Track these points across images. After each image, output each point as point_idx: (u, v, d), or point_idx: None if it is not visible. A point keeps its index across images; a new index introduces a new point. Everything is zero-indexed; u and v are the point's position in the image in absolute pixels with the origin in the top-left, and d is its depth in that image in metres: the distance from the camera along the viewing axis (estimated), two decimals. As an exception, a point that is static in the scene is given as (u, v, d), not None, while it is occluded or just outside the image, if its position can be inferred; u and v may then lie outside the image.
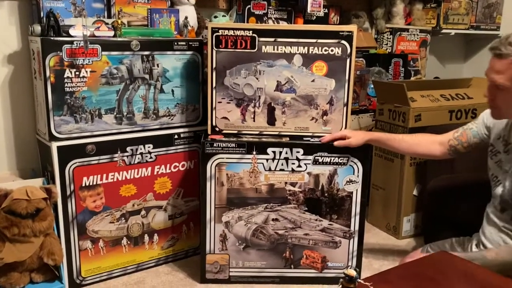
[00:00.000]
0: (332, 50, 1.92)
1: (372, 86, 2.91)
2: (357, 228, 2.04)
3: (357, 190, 2.00)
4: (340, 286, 1.06)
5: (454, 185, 2.13)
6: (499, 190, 1.59)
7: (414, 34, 3.19)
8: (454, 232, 1.83)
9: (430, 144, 1.84)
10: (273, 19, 2.54)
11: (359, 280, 1.05)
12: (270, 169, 1.96)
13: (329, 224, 2.03)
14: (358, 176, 1.99)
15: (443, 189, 2.17)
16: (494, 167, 1.64)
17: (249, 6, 2.47)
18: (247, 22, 2.47)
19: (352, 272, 1.04)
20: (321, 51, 1.92)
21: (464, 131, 1.77)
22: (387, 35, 3.12)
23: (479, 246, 1.65)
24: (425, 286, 1.17)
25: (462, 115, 2.58)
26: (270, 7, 2.51)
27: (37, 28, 1.82)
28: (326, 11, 2.80)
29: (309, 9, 2.55)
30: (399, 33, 3.13)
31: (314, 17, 2.70)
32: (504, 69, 1.41)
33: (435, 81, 3.14)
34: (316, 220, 2.02)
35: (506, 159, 1.59)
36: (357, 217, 2.03)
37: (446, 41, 3.55)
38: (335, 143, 1.92)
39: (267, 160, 1.95)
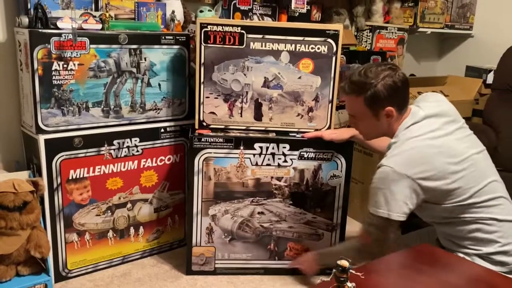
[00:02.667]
0: (318, 48, 1.97)
1: (352, 82, 2.98)
2: (339, 221, 2.11)
3: (340, 184, 2.07)
4: (333, 276, 1.11)
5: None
6: None
7: (392, 32, 3.27)
8: (428, 224, 1.91)
9: None
10: (258, 14, 2.57)
11: (351, 271, 1.10)
12: (257, 164, 2.01)
13: (313, 217, 2.09)
14: (341, 171, 2.05)
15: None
16: None
17: (234, 1, 2.48)
18: (233, 17, 2.49)
19: (345, 263, 1.09)
20: (308, 48, 1.97)
21: None
22: (367, 32, 3.19)
23: None
24: (411, 275, 1.24)
25: (438, 112, 2.68)
26: (255, 3, 2.54)
27: (25, 20, 1.80)
28: (309, 8, 2.84)
29: (293, 5, 2.58)
30: (378, 30, 3.20)
31: (297, 14, 2.74)
32: (352, 103, 1.66)
33: (413, 79, 3.24)
34: (300, 213, 2.08)
35: None
36: (340, 211, 2.10)
37: (422, 39, 3.66)
38: (322, 134, 2.00)
39: (254, 155, 1.99)
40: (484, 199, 1.56)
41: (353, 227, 2.67)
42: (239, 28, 1.93)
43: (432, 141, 1.54)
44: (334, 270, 1.11)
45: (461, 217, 1.57)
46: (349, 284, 1.09)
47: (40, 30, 1.78)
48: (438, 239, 1.73)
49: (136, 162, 2.11)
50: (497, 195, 1.58)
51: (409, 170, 1.50)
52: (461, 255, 1.57)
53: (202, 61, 1.96)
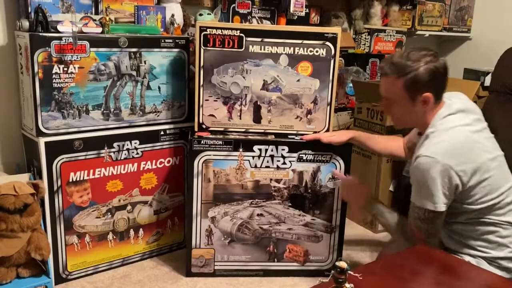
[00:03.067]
0: (317, 51, 1.99)
1: (351, 85, 3.00)
2: (338, 223, 2.12)
3: (339, 186, 2.08)
4: (332, 277, 1.12)
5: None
6: None
7: (390, 35, 3.29)
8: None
9: (398, 147, 1.98)
10: (257, 18, 2.59)
11: (349, 272, 1.11)
12: (256, 166, 2.02)
13: (311, 219, 2.10)
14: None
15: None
16: None
17: (233, 4, 2.51)
18: (232, 20, 2.51)
19: (343, 264, 1.10)
20: (307, 51, 1.99)
21: (412, 131, 1.89)
22: (365, 35, 3.21)
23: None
24: (408, 277, 1.25)
25: (436, 115, 2.69)
26: (254, 6, 2.56)
27: (25, 24, 1.82)
28: (307, 11, 2.86)
29: (292, 9, 2.61)
30: (376, 33, 3.23)
31: (296, 17, 2.76)
32: (389, 86, 1.60)
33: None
34: (299, 215, 2.09)
35: None
36: (339, 213, 2.11)
37: (420, 42, 3.68)
38: (321, 137, 1.99)
39: (253, 157, 2.01)
40: (507, 201, 1.55)
41: (351, 229, 2.69)
42: (238, 31, 1.95)
43: (471, 133, 1.52)
44: (332, 272, 1.12)
45: (480, 217, 1.55)
46: (347, 285, 1.10)
47: (40, 34, 1.80)
48: (441, 241, 1.72)
49: (136, 164, 2.12)
50: None
51: (452, 161, 1.46)
52: (466, 257, 1.56)
53: (202, 64, 1.98)
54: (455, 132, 1.51)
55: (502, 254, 1.54)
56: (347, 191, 1.97)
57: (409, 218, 1.62)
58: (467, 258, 1.55)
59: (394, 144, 1.99)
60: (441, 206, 1.51)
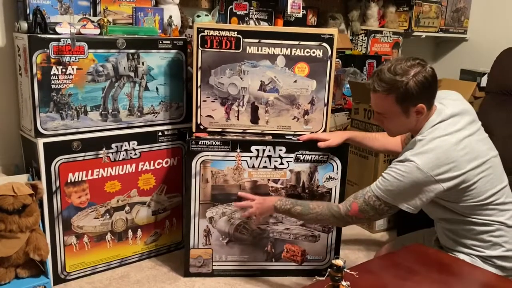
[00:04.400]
0: (313, 52, 2.00)
1: (348, 86, 3.02)
2: (335, 222, 2.13)
3: (336, 186, 2.09)
4: (328, 275, 1.14)
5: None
6: None
7: (387, 36, 3.31)
8: (424, 225, 1.94)
9: (396, 143, 1.98)
10: (254, 19, 2.61)
11: (345, 270, 1.12)
12: (253, 167, 2.03)
13: (309, 219, 2.11)
14: (337, 173, 2.08)
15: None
16: None
17: (231, 6, 2.52)
18: (229, 22, 2.53)
19: (340, 262, 1.11)
20: (303, 52, 2.00)
21: None
22: (362, 36, 3.23)
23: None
24: (404, 275, 1.26)
25: (433, 115, 2.71)
26: (252, 8, 2.57)
27: (24, 25, 1.83)
28: (304, 12, 2.88)
29: (289, 10, 2.62)
30: (373, 35, 3.24)
31: (293, 18, 2.78)
32: (381, 101, 1.59)
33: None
34: (296, 215, 2.10)
35: None
36: (336, 212, 2.12)
37: (417, 43, 3.70)
38: (319, 144, 1.99)
39: (250, 157, 2.02)
40: (499, 202, 1.56)
41: (348, 228, 2.69)
42: (235, 32, 1.96)
43: (458, 142, 1.52)
44: (329, 270, 1.13)
45: (473, 217, 1.56)
46: (343, 283, 1.11)
47: (39, 35, 1.81)
48: (436, 240, 1.73)
49: (134, 165, 2.13)
50: (510, 199, 1.58)
51: (434, 170, 1.48)
52: (461, 255, 1.57)
53: (199, 65, 1.99)
54: (441, 142, 1.52)
55: (496, 253, 1.55)
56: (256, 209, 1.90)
57: (356, 198, 1.62)
58: (462, 257, 1.56)
59: (391, 141, 1.99)
60: (406, 207, 1.53)
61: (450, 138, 1.52)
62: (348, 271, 1.12)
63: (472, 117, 1.61)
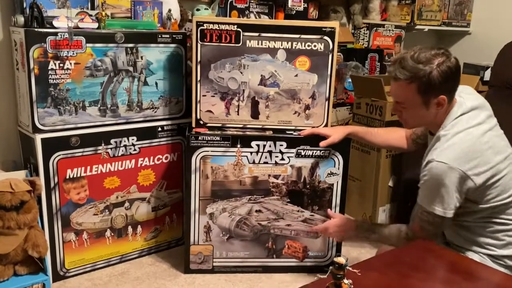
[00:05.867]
0: (315, 46, 1.97)
1: (350, 80, 2.99)
2: (337, 218, 2.11)
3: (337, 182, 2.07)
4: (330, 273, 1.11)
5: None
6: None
7: (389, 30, 3.28)
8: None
9: (400, 138, 1.94)
10: (255, 13, 2.57)
11: (348, 268, 1.10)
12: (254, 162, 2.00)
13: (310, 215, 2.09)
14: (338, 169, 2.05)
15: (417, 181, 2.26)
16: None
17: (231, -1, 2.49)
18: (229, 15, 2.49)
19: (342, 260, 1.09)
20: (304, 46, 1.97)
21: None
22: (364, 30, 3.20)
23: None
24: (408, 272, 1.24)
25: (436, 110, 2.68)
26: (252, 1, 2.54)
27: (20, 19, 1.80)
28: (305, 5, 2.84)
29: (290, 3, 2.59)
30: (375, 28, 3.21)
31: (294, 12, 2.74)
32: (402, 90, 1.52)
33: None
34: (298, 211, 2.08)
35: None
36: (338, 208, 2.10)
37: (419, 37, 3.66)
38: (321, 143, 1.97)
39: (251, 153, 1.99)
40: None
41: (351, 224, 2.67)
42: (235, 26, 1.93)
43: (482, 134, 1.48)
44: (331, 267, 1.11)
45: (491, 216, 1.53)
46: (345, 281, 1.09)
47: (36, 29, 1.78)
48: (442, 235, 1.69)
49: (133, 161, 2.10)
50: None
51: (464, 165, 1.43)
52: (470, 253, 1.55)
53: (199, 59, 1.96)
54: (466, 135, 1.47)
55: (508, 253, 1.52)
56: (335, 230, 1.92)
57: (414, 219, 1.59)
58: (470, 255, 1.53)
59: (394, 136, 1.96)
60: (450, 213, 1.48)
61: (474, 130, 1.48)
62: (350, 268, 1.10)
63: (489, 112, 1.58)
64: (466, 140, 1.46)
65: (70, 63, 1.87)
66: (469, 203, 1.53)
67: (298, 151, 2.01)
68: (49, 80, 1.84)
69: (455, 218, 1.59)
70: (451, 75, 1.47)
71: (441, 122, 1.54)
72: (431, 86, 1.46)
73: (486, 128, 1.51)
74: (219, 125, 2.04)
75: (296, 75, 2.00)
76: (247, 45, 1.95)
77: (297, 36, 1.96)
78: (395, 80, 1.52)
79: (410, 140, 1.90)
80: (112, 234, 2.12)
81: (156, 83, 2.11)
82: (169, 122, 2.17)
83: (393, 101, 1.61)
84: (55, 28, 1.81)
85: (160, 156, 2.18)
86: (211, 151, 1.98)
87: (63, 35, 1.82)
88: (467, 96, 1.58)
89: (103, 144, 2.01)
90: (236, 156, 1.99)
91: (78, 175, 1.97)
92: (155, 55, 2.07)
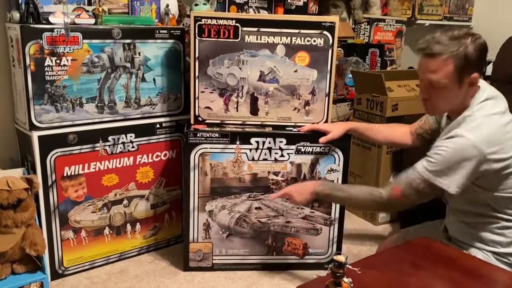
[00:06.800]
0: (314, 41, 1.95)
1: (350, 75, 2.96)
2: (337, 215, 2.09)
3: (338, 178, 2.05)
4: (329, 271, 1.10)
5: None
6: None
7: (390, 25, 3.25)
8: (428, 217, 1.89)
9: (403, 134, 1.90)
10: (254, 8, 2.54)
11: (347, 266, 1.08)
12: (253, 159, 1.99)
13: (310, 212, 2.07)
14: (339, 165, 2.03)
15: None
16: None
17: (229, -6, 2.46)
18: (228, 10, 2.47)
19: (341, 258, 1.07)
20: (304, 41, 1.95)
21: (426, 119, 1.82)
22: (364, 25, 3.17)
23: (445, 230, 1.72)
24: (408, 270, 1.22)
25: (437, 105, 2.66)
26: (251, -4, 2.51)
27: (16, 15, 1.78)
28: (305, 0, 2.81)
29: (289, -2, 2.56)
30: (376, 23, 3.18)
31: (294, 6, 2.72)
32: (438, 67, 1.45)
33: (411, 71, 3.21)
34: (298, 208, 2.06)
35: None
36: (338, 205, 2.08)
37: (420, 32, 3.63)
38: (320, 139, 1.94)
39: (250, 150, 1.97)
40: None
41: (351, 221, 2.66)
42: (233, 21, 1.91)
43: (505, 124, 1.45)
44: (330, 265, 1.09)
45: (502, 210, 1.50)
46: (345, 279, 1.07)
47: (31, 25, 1.76)
48: (445, 231, 1.67)
49: (131, 158, 2.09)
50: None
51: (488, 148, 1.40)
52: (474, 250, 1.52)
53: (197, 55, 1.94)
54: (492, 120, 1.44)
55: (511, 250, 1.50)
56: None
57: (399, 183, 1.53)
58: (474, 252, 1.50)
59: (396, 133, 1.92)
60: (454, 189, 1.44)
61: (499, 118, 1.45)
62: (350, 267, 1.08)
63: (506, 104, 1.53)
64: (492, 125, 1.43)
65: (67, 60, 1.85)
66: (480, 189, 1.49)
67: (298, 147, 1.99)
68: (46, 76, 1.82)
69: (457, 212, 1.57)
70: (484, 51, 1.44)
71: (466, 105, 1.49)
72: (467, 62, 1.42)
73: (508, 119, 1.48)
74: (218, 121, 2.02)
75: (296, 71, 1.98)
76: (246, 41, 1.93)
77: (297, 31, 1.93)
78: (431, 56, 1.45)
79: (415, 135, 1.86)
80: (111, 231, 2.11)
81: (154, 80, 2.09)
82: (167, 119, 2.15)
83: (422, 84, 1.52)
84: (51, 24, 1.79)
85: (159, 153, 2.16)
86: (210, 148, 1.96)
87: (60, 31, 1.80)
88: (484, 84, 1.54)
89: (100, 141, 1.99)
90: (235, 153, 1.98)
91: (76, 173, 1.96)
92: (153, 51, 2.05)
